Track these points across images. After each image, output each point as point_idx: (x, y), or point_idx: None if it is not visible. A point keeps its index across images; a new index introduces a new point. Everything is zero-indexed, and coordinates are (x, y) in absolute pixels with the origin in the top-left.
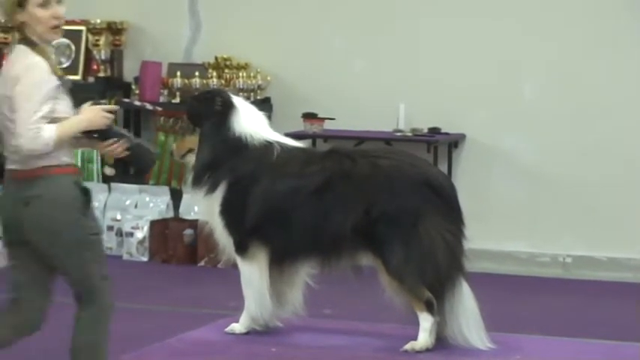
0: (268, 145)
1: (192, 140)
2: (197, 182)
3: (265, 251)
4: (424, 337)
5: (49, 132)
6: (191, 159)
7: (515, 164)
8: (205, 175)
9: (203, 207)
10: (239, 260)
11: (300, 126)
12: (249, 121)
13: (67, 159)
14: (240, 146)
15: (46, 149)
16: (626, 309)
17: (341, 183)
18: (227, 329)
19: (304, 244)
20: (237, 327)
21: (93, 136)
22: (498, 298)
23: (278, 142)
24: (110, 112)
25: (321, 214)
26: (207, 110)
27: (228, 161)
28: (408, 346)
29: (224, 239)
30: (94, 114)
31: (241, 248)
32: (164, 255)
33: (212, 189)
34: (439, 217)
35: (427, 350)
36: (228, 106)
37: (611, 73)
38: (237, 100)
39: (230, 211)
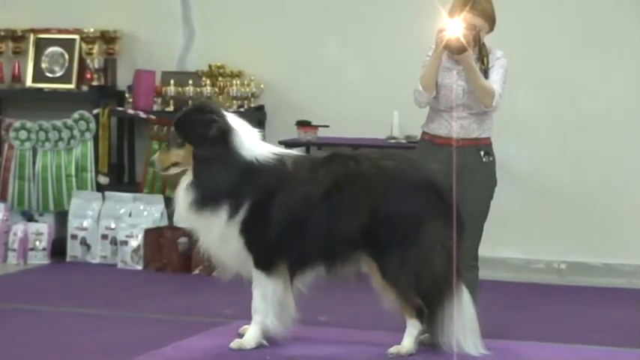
0: (279, 159)
1: (178, 153)
2: (205, 205)
3: (286, 262)
4: (409, 341)
5: None
6: (174, 172)
7: (510, 171)
8: (220, 199)
9: (217, 228)
10: (261, 276)
11: (293, 134)
12: (250, 141)
13: None
14: (255, 166)
15: None
16: (622, 315)
17: (347, 185)
18: (233, 345)
19: (316, 249)
20: (247, 342)
21: None
22: (493, 304)
23: (286, 154)
24: None
25: (334, 217)
26: (203, 133)
27: (249, 182)
28: (393, 350)
29: (241, 257)
30: None
31: (264, 263)
32: (159, 263)
33: (235, 211)
34: (441, 222)
35: (411, 355)
36: (227, 131)
37: (605, 80)
38: (233, 120)
39: (252, 229)
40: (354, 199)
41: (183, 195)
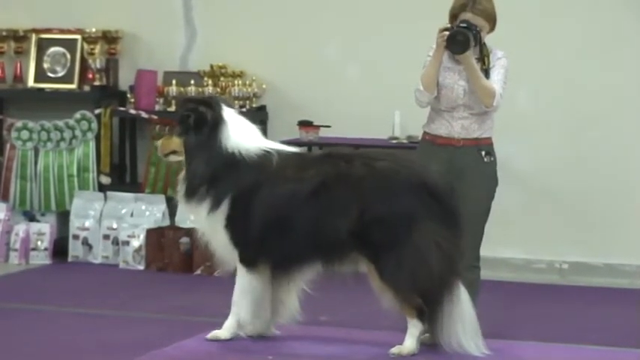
0: (266, 154)
1: (176, 142)
2: (191, 196)
3: (270, 261)
4: (411, 342)
5: None
6: (174, 159)
7: (511, 171)
8: (201, 190)
9: (203, 221)
10: (243, 271)
11: (295, 134)
12: (240, 134)
13: None
14: (237, 160)
15: None
16: (623, 315)
17: (336, 185)
18: (209, 336)
19: (305, 249)
20: (222, 333)
21: None
22: (494, 304)
23: (275, 150)
24: None
25: (319, 218)
26: (194, 122)
27: (229, 175)
28: (395, 350)
29: (227, 252)
30: None
31: (247, 260)
32: (160, 263)
33: (216, 205)
34: (434, 221)
35: (412, 355)
36: (217, 122)
37: (605, 80)
38: (228, 113)
39: (236, 224)
40: (342, 199)
41: (180, 187)
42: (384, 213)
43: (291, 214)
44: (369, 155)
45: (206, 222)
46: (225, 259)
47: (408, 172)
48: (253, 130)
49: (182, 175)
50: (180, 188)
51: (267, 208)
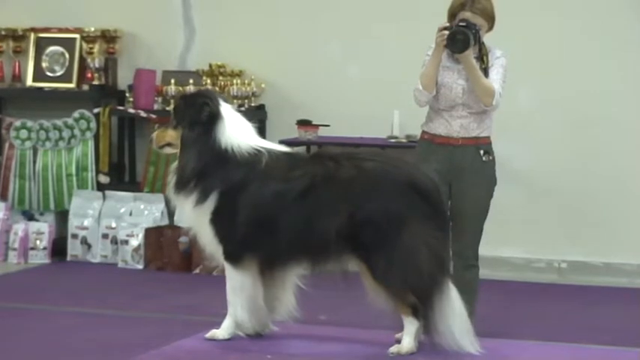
0: (257, 153)
1: (171, 134)
2: (181, 188)
3: (256, 258)
4: (409, 341)
5: None
6: (168, 152)
7: (511, 170)
8: (191, 183)
9: (190, 214)
10: (230, 268)
11: (294, 133)
12: (235, 131)
13: None
14: (227, 156)
15: None
16: (622, 314)
17: (325, 186)
18: (207, 336)
19: (292, 248)
20: (220, 333)
21: None
22: (493, 303)
23: (266, 149)
24: None
25: (306, 218)
26: (194, 116)
27: (218, 171)
28: (393, 349)
29: (213, 247)
30: None
31: (232, 256)
32: (159, 262)
33: (203, 199)
34: (423, 221)
35: (412, 354)
36: (215, 117)
37: (605, 80)
38: (225, 109)
39: (221, 220)
40: (331, 200)
41: (170, 178)
42: (373, 214)
43: (277, 213)
44: (358, 156)
45: (192, 215)
46: (213, 254)
47: (397, 173)
48: (248, 127)
49: (173, 166)
50: (171, 180)
51: (252, 206)
